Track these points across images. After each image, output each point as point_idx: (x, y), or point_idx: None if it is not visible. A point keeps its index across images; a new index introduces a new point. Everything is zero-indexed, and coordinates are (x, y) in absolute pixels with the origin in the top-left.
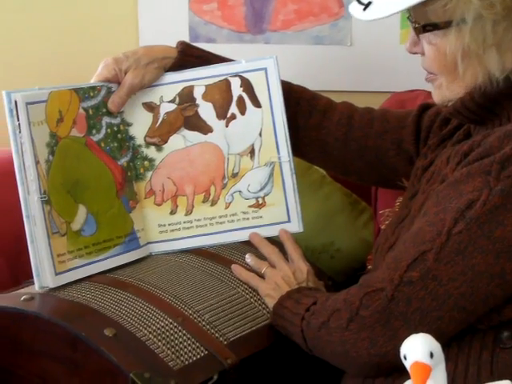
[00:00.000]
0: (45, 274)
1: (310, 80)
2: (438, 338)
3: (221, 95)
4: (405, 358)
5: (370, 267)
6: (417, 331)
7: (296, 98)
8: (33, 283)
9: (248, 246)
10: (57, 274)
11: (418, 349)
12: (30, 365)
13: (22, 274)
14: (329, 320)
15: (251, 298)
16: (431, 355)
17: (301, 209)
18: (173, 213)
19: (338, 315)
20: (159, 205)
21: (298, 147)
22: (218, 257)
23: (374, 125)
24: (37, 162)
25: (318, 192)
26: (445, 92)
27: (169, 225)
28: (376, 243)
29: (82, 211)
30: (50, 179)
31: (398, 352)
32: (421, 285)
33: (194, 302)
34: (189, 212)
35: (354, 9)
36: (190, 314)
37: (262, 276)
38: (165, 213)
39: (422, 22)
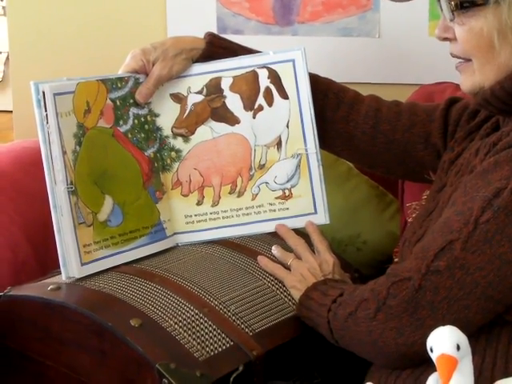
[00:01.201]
0: (71, 264)
1: (338, 72)
2: (464, 327)
3: (248, 86)
4: (431, 351)
5: (396, 260)
6: (444, 320)
7: (323, 91)
8: (60, 273)
9: (274, 237)
10: (83, 264)
11: (444, 341)
12: (58, 355)
13: (50, 262)
14: (356, 310)
15: (277, 289)
16: (458, 347)
17: (327, 200)
18: (199, 204)
19: (365, 305)
20: (186, 196)
21: (325, 140)
22: (244, 248)
23: (401, 118)
24: (64, 153)
25: (345, 184)
26: (476, 77)
27: (195, 216)
28: (403, 236)
29: (108, 202)
30: (77, 170)
31: (426, 342)
32: (448, 274)
33: (219, 293)
34: (215, 203)
35: None
36: (216, 305)
37: (288, 268)
38: (191, 204)
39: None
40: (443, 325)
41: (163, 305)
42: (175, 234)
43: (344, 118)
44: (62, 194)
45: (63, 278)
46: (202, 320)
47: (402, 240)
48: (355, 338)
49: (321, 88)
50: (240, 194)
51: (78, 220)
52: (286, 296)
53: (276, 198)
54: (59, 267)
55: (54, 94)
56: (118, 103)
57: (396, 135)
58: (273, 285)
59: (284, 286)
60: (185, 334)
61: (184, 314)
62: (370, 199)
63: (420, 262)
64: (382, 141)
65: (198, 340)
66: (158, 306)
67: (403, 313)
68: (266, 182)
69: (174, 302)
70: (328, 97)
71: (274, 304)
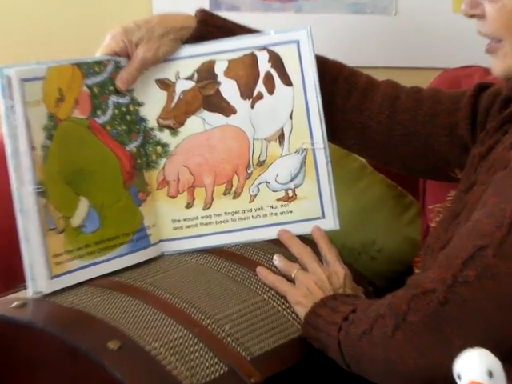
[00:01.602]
0: (39, 277)
1: (348, 55)
2: (498, 348)
3: (246, 71)
4: (459, 378)
5: (417, 271)
6: (474, 339)
7: (333, 76)
8: (26, 287)
9: (276, 245)
10: (53, 277)
11: (474, 366)
12: (27, 378)
13: (15, 275)
14: (371, 328)
15: (279, 305)
16: (490, 374)
17: (337, 203)
18: (189, 206)
19: (382, 322)
20: (173, 197)
21: (335, 132)
22: (240, 258)
23: (422, 107)
24: (32, 148)
25: (358, 183)
26: (508, 60)
27: (184, 220)
28: (425, 243)
29: (83, 204)
30: (47, 167)
31: (453, 365)
32: (478, 285)
33: (212, 311)
34: (207, 206)
35: None
36: (208, 324)
37: (291, 280)
38: (180, 206)
39: None
40: (473, 345)
41: (146, 324)
42: (161, 241)
43: (356, 107)
44: (29, 196)
45: (30, 293)
46: (191, 342)
47: (423, 247)
48: (370, 360)
49: (330, 72)
50: (236, 196)
51: (48, 226)
52: (289, 313)
53: (278, 199)
54: (26, 280)
55: (22, 80)
56: (95, 90)
57: (416, 126)
58: (274, 300)
59: (287, 301)
60: (171, 358)
61: (171, 334)
62: (386, 201)
63: (445, 272)
64: (400, 133)
65: (187, 365)
66: (141, 325)
67: (426, 330)
68: (267, 182)
69: (158, 321)
70: (338, 82)
71: (276, 323)
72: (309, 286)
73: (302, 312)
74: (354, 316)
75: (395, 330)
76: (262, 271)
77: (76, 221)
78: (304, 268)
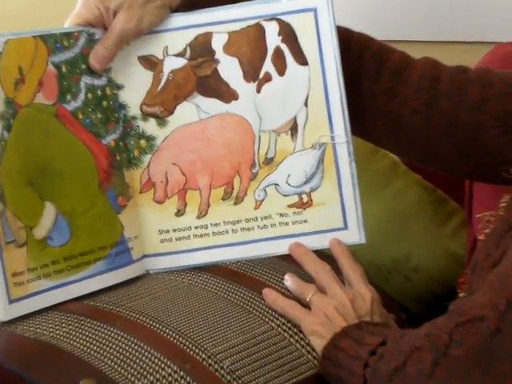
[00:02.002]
0: None
1: (378, 26)
2: None
3: (250, 47)
4: None
5: (461, 294)
6: None
7: (358, 51)
8: None
9: (287, 262)
10: (11, 301)
11: None
12: None
13: None
14: (405, 364)
15: (290, 336)
16: None
17: (362, 210)
18: (180, 214)
19: (417, 357)
20: (160, 202)
21: (361, 122)
22: (243, 277)
23: (469, 91)
24: None
25: (388, 186)
26: None
27: (174, 231)
28: (472, 260)
29: (49, 211)
30: (4, 165)
31: None
32: None
33: (208, 342)
34: (203, 213)
35: None
36: (204, 359)
37: (306, 305)
38: (168, 214)
39: None
40: None
41: (128, 359)
42: (145, 256)
43: (387, 91)
44: None
45: None
46: (183, 381)
47: (469, 265)
48: None
49: (354, 48)
50: (238, 201)
51: (6, 238)
52: (303, 346)
53: (289, 206)
54: None
55: None
56: (63, 70)
57: (460, 115)
58: (284, 330)
59: (301, 331)
60: None
61: (157, 372)
62: (422, 208)
63: (498, 295)
64: (440, 123)
65: None
66: (121, 360)
67: (474, 367)
68: (276, 184)
69: (143, 355)
70: (364, 60)
71: (287, 358)
72: (328, 312)
73: (318, 344)
74: (384, 349)
75: (434, 366)
76: (269, 294)
77: (40, 232)
78: (322, 290)
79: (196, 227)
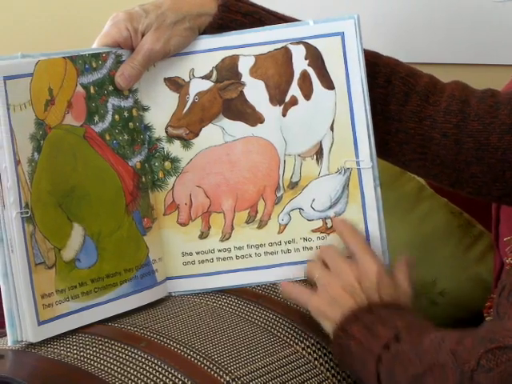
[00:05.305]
0: (23, 323)
1: (404, 49)
2: None
3: (277, 70)
4: None
5: (488, 318)
6: None
7: (386, 75)
8: (3, 335)
9: (310, 284)
10: (41, 322)
11: None
12: None
13: None
14: (424, 375)
15: (315, 359)
16: None
17: (387, 235)
18: (203, 237)
19: (440, 373)
20: (184, 224)
21: (388, 146)
22: (267, 299)
23: (499, 114)
24: (17, 163)
25: (414, 210)
26: None
27: (197, 254)
28: (499, 284)
29: (77, 233)
30: (35, 187)
31: None
32: None
33: (233, 365)
34: (226, 236)
35: None
36: (228, 382)
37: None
38: (192, 236)
39: None
40: None
41: (151, 381)
42: (168, 278)
43: (415, 115)
44: (13, 222)
45: (9, 342)
46: None
47: (497, 290)
48: None
49: (382, 71)
50: (262, 224)
51: (35, 260)
52: (327, 369)
53: (313, 230)
54: (3, 327)
55: (5, 78)
56: (91, 91)
57: (491, 138)
58: (309, 353)
59: (325, 354)
60: None
61: None
62: (449, 232)
63: None
64: (470, 146)
65: None
66: (144, 382)
67: None
68: (300, 208)
69: (166, 378)
70: (392, 84)
71: (310, 382)
72: (333, 292)
73: (329, 327)
74: (399, 348)
75: None
76: (286, 286)
77: (69, 253)
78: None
79: (219, 250)
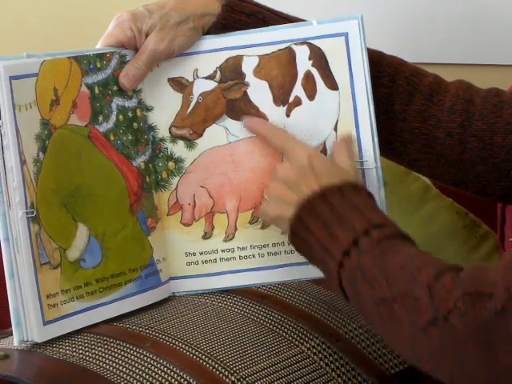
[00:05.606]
0: (29, 323)
1: (409, 49)
2: None
3: (280, 70)
4: None
5: None
6: None
7: (390, 75)
8: (9, 334)
9: (317, 284)
10: (46, 322)
11: None
12: None
13: None
14: (394, 301)
15: (320, 360)
16: None
17: None
18: (207, 237)
19: (412, 305)
20: (188, 225)
21: (392, 146)
22: (273, 299)
23: (503, 113)
24: (23, 162)
25: (419, 210)
26: None
27: (200, 254)
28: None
29: (82, 233)
30: (40, 187)
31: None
32: None
33: (238, 365)
34: (230, 236)
35: None
36: (233, 382)
37: None
38: (195, 237)
39: None
40: None
41: (157, 381)
42: (171, 279)
43: (420, 114)
44: (18, 222)
45: (15, 342)
46: None
47: None
48: (384, 327)
49: (386, 71)
50: (265, 225)
51: (41, 260)
52: (333, 370)
53: None
54: (9, 326)
55: (11, 78)
56: (96, 91)
57: (495, 138)
58: (314, 353)
59: (330, 355)
60: None
61: None
62: (455, 231)
63: (510, 276)
64: (474, 146)
65: None
66: (150, 382)
67: (470, 339)
68: None
69: (172, 377)
70: (396, 84)
71: (316, 382)
72: (276, 194)
73: (284, 226)
74: (361, 261)
75: (430, 325)
76: (249, 120)
77: (74, 253)
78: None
79: (223, 250)
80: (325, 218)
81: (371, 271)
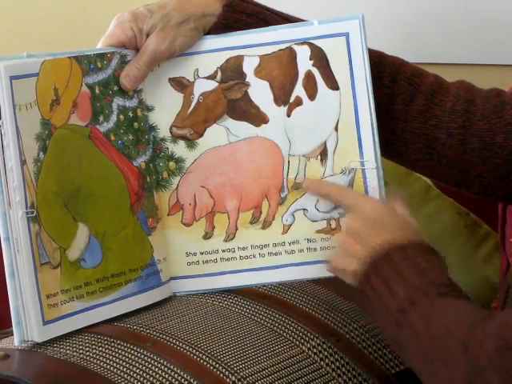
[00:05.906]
0: (29, 323)
1: (410, 49)
2: None
3: (281, 70)
4: None
5: None
6: None
7: (391, 75)
8: (9, 334)
9: (317, 284)
10: (46, 322)
11: None
12: None
13: None
14: (436, 361)
15: (321, 359)
16: None
17: None
18: (207, 237)
19: (448, 362)
20: (188, 225)
21: (393, 146)
22: (273, 300)
23: (504, 113)
24: (23, 162)
25: (420, 211)
26: None
27: (201, 254)
28: (505, 283)
29: (82, 233)
30: (40, 186)
31: None
32: None
33: (238, 365)
34: (230, 236)
35: None
36: (233, 382)
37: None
38: (196, 237)
39: None
40: None
41: (157, 381)
42: (172, 279)
43: (421, 114)
44: (18, 222)
45: (15, 342)
46: None
47: (502, 289)
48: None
49: (387, 71)
50: (266, 225)
51: (41, 259)
52: (333, 369)
53: (317, 231)
54: (9, 326)
55: (11, 78)
56: (96, 91)
57: (497, 138)
58: (315, 353)
59: (331, 354)
60: None
61: None
62: (456, 231)
63: None
64: (475, 146)
65: None
66: (150, 382)
67: None
68: (304, 209)
69: (172, 377)
70: (398, 84)
71: (316, 382)
72: (346, 248)
73: (350, 278)
74: (413, 320)
75: (468, 382)
76: (311, 182)
77: (74, 253)
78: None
79: (223, 251)
80: (386, 275)
81: (420, 332)
